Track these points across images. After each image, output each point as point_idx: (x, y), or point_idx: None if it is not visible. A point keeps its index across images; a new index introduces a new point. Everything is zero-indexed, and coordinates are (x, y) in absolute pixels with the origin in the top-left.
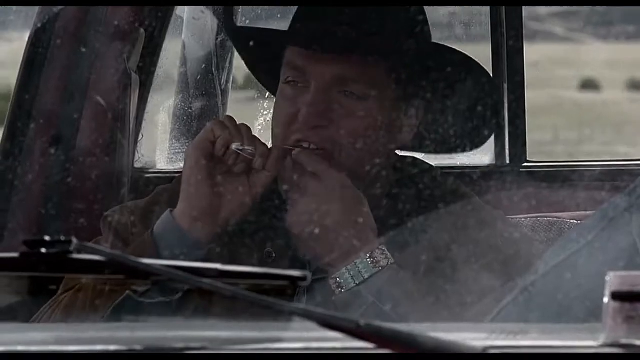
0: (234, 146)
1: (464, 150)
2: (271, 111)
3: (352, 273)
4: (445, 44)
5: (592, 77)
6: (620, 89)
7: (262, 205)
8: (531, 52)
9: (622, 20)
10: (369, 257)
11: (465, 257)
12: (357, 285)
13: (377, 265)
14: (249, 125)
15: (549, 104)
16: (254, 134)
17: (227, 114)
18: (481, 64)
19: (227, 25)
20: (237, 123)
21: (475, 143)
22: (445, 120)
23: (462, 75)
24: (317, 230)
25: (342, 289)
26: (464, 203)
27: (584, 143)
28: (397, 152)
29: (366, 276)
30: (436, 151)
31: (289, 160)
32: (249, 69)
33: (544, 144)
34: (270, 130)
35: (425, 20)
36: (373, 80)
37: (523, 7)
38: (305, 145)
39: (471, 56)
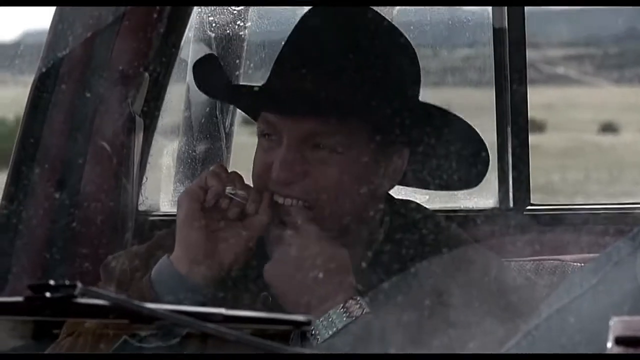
0: (227, 190)
1: (453, 189)
2: None
3: (325, 324)
4: (430, 103)
5: (610, 120)
6: (639, 131)
7: (259, 250)
8: (546, 95)
9: (634, 64)
10: (342, 307)
11: (459, 303)
12: (330, 336)
13: (350, 315)
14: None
15: (572, 145)
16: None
17: (233, 152)
18: (461, 116)
19: (203, 84)
20: (228, 171)
21: (466, 183)
22: (431, 162)
23: (444, 129)
24: (292, 281)
25: (317, 339)
26: (460, 248)
27: (615, 183)
28: (391, 195)
29: (339, 326)
30: (426, 187)
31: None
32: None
33: (578, 184)
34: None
35: (408, 79)
36: (347, 135)
37: (534, 51)
38: (280, 199)
39: (451, 111)
